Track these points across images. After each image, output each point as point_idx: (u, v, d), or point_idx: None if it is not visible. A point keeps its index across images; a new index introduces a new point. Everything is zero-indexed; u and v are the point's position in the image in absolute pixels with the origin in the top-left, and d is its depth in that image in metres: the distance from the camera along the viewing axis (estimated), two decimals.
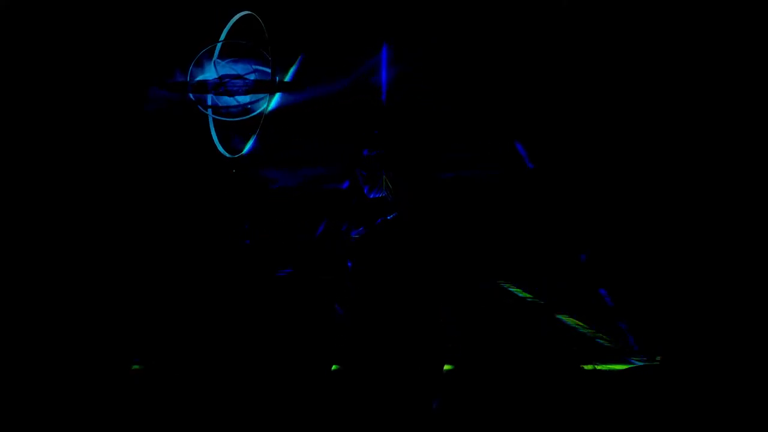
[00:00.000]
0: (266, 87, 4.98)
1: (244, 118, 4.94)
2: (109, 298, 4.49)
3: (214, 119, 4.92)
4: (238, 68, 4.95)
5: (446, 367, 4.17)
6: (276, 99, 4.98)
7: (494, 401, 4.01)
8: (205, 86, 4.93)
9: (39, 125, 4.74)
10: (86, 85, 4.81)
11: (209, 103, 4.96)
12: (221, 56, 4.94)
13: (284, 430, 3.92)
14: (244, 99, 4.97)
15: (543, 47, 4.87)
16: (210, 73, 4.94)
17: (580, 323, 4.59)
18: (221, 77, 4.92)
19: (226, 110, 4.98)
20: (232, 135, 4.94)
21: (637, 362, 4.32)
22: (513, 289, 4.76)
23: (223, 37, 4.91)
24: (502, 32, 4.92)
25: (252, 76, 4.96)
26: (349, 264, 4.65)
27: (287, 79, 4.99)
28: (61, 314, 4.39)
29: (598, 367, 4.02)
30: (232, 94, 4.95)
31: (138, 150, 4.85)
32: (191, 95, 4.92)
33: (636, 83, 4.73)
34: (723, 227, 4.50)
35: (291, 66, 5.00)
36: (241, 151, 4.92)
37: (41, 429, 3.84)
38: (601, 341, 4.48)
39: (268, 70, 4.94)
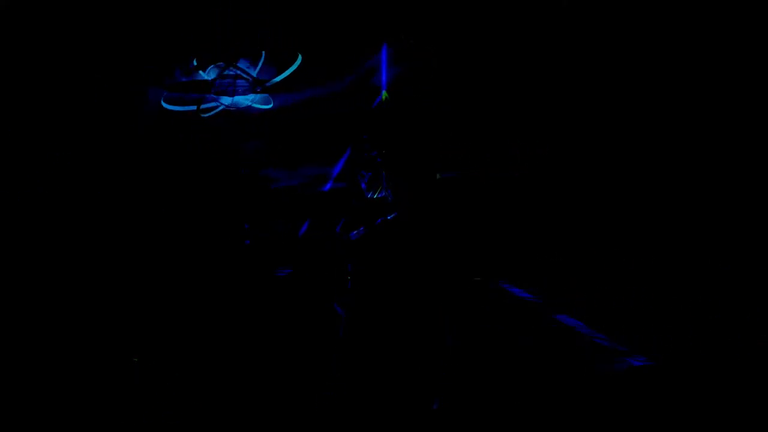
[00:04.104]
0: (266, 87, 4.99)
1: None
2: (110, 297, 4.49)
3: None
4: (238, 68, 4.96)
5: (446, 367, 4.18)
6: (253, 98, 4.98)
7: (494, 401, 4.01)
8: (205, 86, 4.93)
9: (39, 125, 4.74)
10: (86, 85, 4.81)
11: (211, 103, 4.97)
12: (221, 56, 4.95)
13: (284, 430, 3.93)
14: (244, 99, 4.97)
15: (543, 47, 4.87)
16: (211, 73, 4.94)
17: (580, 323, 4.60)
18: (222, 77, 4.92)
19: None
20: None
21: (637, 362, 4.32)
22: (513, 289, 4.76)
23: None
24: (502, 32, 4.92)
25: (251, 76, 4.97)
26: (349, 264, 4.66)
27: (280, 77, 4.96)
28: (61, 314, 4.39)
29: None
30: (232, 94, 4.95)
31: (138, 150, 4.85)
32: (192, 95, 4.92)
33: (636, 83, 4.73)
34: (723, 227, 4.50)
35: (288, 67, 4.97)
36: None
37: (41, 428, 3.85)
38: (601, 341, 4.49)
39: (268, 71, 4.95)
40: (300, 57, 4.88)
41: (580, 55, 4.82)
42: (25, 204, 4.64)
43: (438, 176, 4.72)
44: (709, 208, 4.54)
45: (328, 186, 4.97)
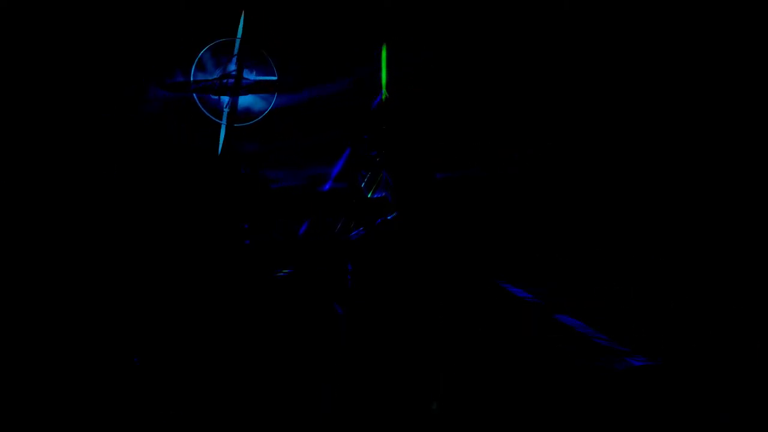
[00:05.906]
0: (267, 87, 4.99)
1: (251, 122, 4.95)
2: (110, 297, 4.49)
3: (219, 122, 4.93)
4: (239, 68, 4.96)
5: (445, 368, 4.18)
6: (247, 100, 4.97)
7: (494, 401, 4.01)
8: (206, 86, 4.93)
9: (39, 125, 4.75)
10: (86, 84, 4.81)
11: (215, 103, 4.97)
12: (222, 56, 4.95)
13: (283, 430, 3.93)
14: (245, 99, 4.98)
15: (543, 48, 4.87)
16: (211, 73, 4.95)
17: (580, 323, 4.60)
18: (222, 77, 4.92)
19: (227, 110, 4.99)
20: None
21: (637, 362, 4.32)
22: (512, 289, 4.76)
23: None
24: (502, 33, 4.92)
25: (252, 76, 4.97)
26: (349, 264, 4.66)
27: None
28: (61, 314, 4.40)
29: None
30: (233, 93, 4.95)
31: (138, 150, 4.86)
32: (194, 95, 4.93)
33: (635, 84, 4.74)
34: (724, 228, 4.51)
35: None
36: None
37: (41, 429, 3.85)
38: (600, 341, 4.49)
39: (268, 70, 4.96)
40: (243, 13, 4.83)
41: (579, 56, 4.82)
42: (25, 204, 4.65)
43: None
44: (709, 208, 4.54)
45: (328, 186, 4.98)
